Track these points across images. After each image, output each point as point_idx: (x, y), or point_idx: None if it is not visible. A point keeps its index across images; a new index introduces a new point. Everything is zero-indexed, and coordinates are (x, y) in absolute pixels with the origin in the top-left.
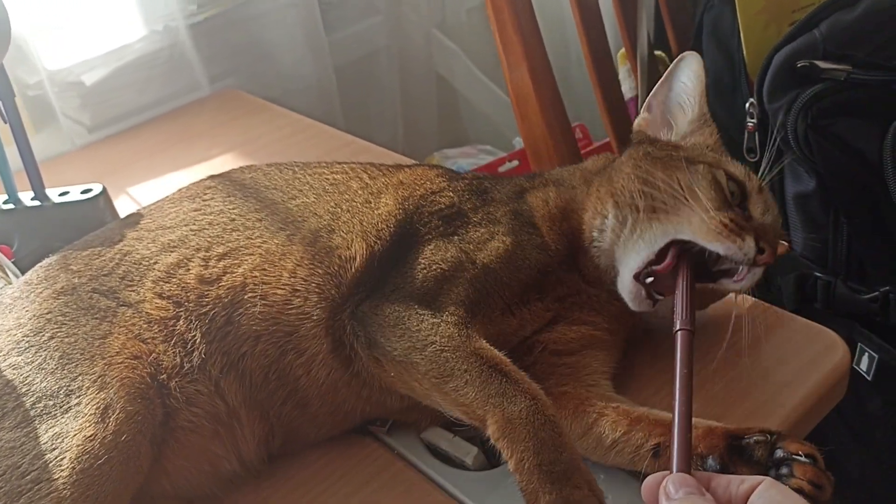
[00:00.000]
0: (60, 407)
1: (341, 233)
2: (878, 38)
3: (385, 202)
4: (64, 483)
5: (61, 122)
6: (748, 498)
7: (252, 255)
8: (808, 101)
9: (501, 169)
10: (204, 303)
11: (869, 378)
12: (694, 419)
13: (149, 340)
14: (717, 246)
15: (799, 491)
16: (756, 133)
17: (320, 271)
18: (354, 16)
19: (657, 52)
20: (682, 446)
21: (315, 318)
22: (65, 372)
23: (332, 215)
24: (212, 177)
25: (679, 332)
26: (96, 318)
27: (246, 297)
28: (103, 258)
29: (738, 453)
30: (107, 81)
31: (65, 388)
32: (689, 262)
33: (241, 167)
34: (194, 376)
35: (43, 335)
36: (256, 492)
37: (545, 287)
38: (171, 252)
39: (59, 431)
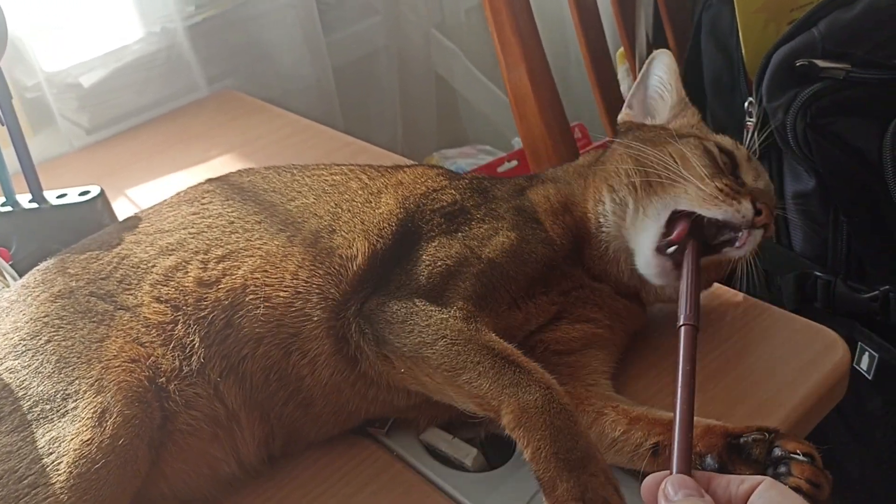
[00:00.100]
0: (57, 411)
1: (342, 233)
2: (878, 37)
3: (386, 201)
4: (61, 487)
5: (59, 124)
6: (748, 498)
7: (252, 256)
8: (807, 100)
9: (500, 169)
10: (202, 306)
11: (869, 377)
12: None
13: (147, 344)
14: (715, 212)
15: (797, 490)
16: (755, 132)
17: (321, 272)
18: (353, 16)
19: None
20: (683, 447)
21: (316, 318)
22: (62, 376)
23: (333, 216)
24: (210, 180)
25: (683, 328)
26: (94, 322)
27: (247, 299)
28: (101, 262)
29: (736, 452)
30: (105, 83)
31: (62, 392)
32: (696, 247)
33: (238, 170)
34: (193, 379)
35: (40, 339)
36: (255, 494)
37: (550, 281)
38: (170, 255)
39: (57, 435)
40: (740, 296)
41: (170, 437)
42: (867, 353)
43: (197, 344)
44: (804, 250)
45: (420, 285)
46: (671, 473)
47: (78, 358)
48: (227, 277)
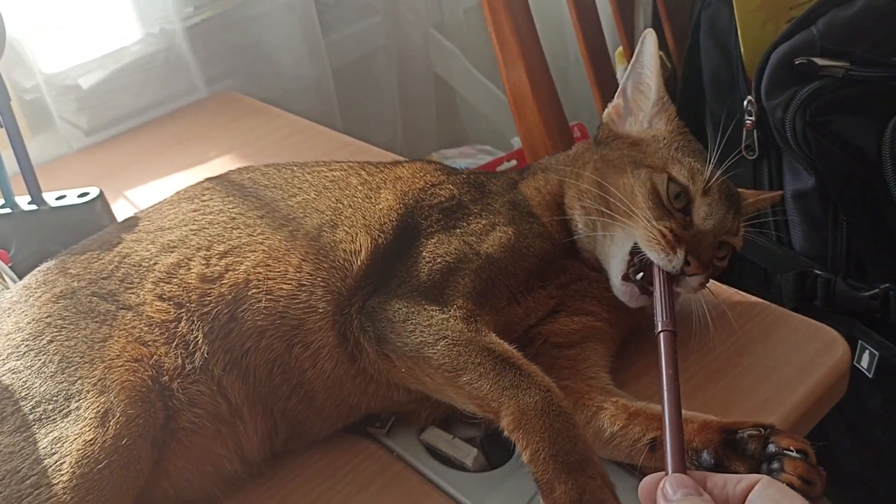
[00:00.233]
0: (60, 411)
1: (344, 227)
2: (876, 35)
3: (385, 197)
4: (64, 488)
5: (58, 126)
6: (746, 496)
7: (254, 251)
8: (806, 99)
9: (500, 169)
10: (206, 302)
11: (869, 375)
12: (690, 413)
13: (149, 343)
14: (652, 255)
15: (789, 486)
16: (755, 131)
17: (326, 265)
18: (352, 16)
19: None
20: (676, 446)
21: (321, 310)
22: (64, 376)
23: (334, 211)
24: (209, 179)
25: (661, 334)
26: (96, 322)
27: (250, 293)
28: (102, 261)
29: (731, 447)
30: (103, 84)
31: (64, 393)
32: None
33: (238, 168)
34: (196, 377)
35: (42, 339)
36: (257, 493)
37: (548, 275)
38: (171, 252)
39: (59, 436)
40: (740, 294)
41: (173, 436)
42: (867, 352)
43: (200, 340)
44: (804, 249)
45: (421, 283)
46: (667, 474)
47: (81, 358)
48: (231, 272)
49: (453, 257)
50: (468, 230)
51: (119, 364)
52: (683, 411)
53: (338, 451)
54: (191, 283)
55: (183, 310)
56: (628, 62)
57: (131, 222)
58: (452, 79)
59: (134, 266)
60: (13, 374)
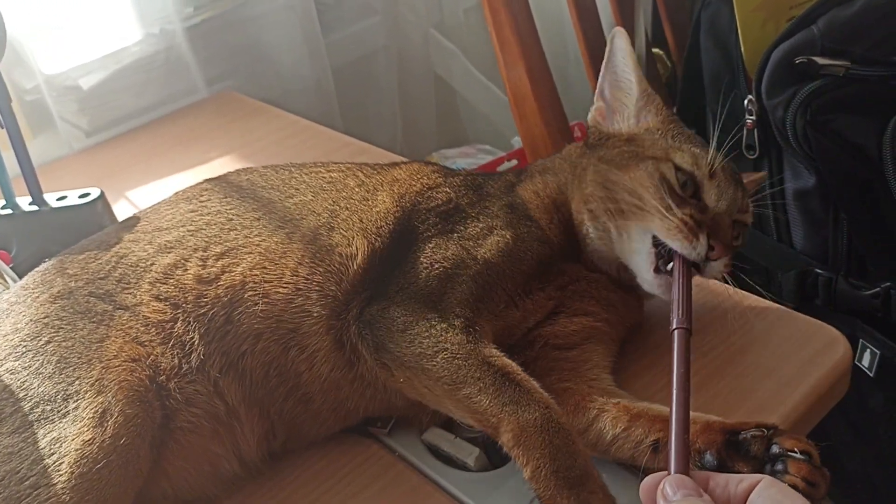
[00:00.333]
0: (58, 411)
1: (341, 230)
2: (877, 34)
3: (382, 199)
4: (63, 488)
5: (59, 127)
6: (747, 497)
7: (251, 253)
8: (806, 98)
9: (500, 168)
10: (202, 303)
11: (871, 374)
12: (693, 414)
13: (146, 343)
14: (675, 244)
15: (793, 488)
16: (755, 130)
17: (321, 269)
18: (352, 17)
19: (655, 50)
20: (680, 447)
21: (316, 314)
22: (62, 376)
23: (331, 213)
24: (208, 180)
25: (676, 331)
26: (93, 322)
27: (246, 295)
28: (99, 261)
29: (734, 448)
30: (104, 85)
31: (62, 393)
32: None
33: (237, 170)
34: (193, 377)
35: (40, 340)
36: (257, 494)
37: (546, 277)
38: (168, 253)
39: (58, 436)
40: (741, 293)
41: (171, 436)
42: (868, 350)
43: (197, 341)
44: (805, 248)
45: (419, 289)
46: (669, 474)
47: (78, 358)
48: (227, 274)
49: (451, 263)
50: (465, 234)
51: (116, 364)
52: None
53: (339, 451)
54: (187, 284)
55: (179, 311)
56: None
57: (129, 223)
58: (452, 79)
59: (131, 266)
60: (11, 374)
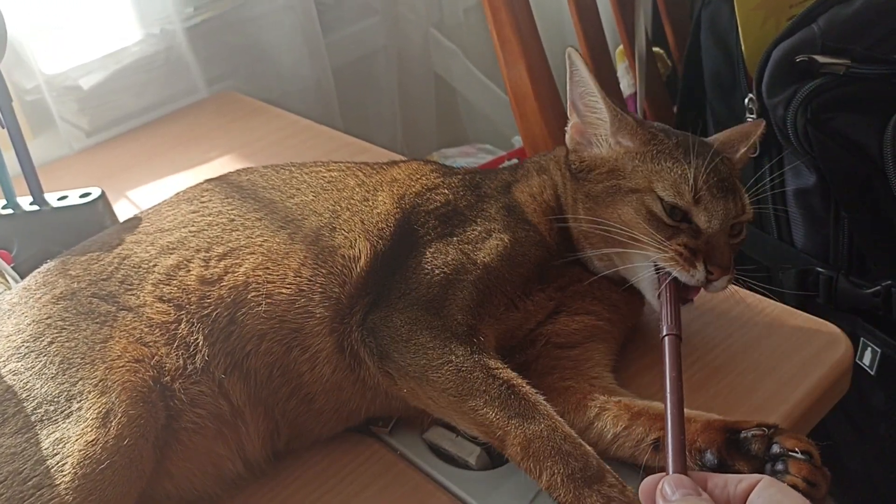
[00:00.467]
0: (61, 412)
1: (343, 232)
2: (877, 32)
3: (382, 200)
4: (66, 488)
5: (59, 127)
6: (747, 496)
7: (253, 254)
8: (807, 96)
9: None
10: (205, 304)
11: (872, 373)
12: (693, 413)
13: (150, 344)
14: (675, 273)
15: (793, 488)
16: None
17: (324, 270)
18: (351, 16)
19: (655, 49)
20: (677, 447)
21: (318, 315)
22: (65, 377)
23: (333, 213)
24: (209, 180)
25: (666, 338)
26: (96, 323)
27: (249, 296)
28: (102, 262)
29: (735, 447)
30: (104, 85)
31: (65, 393)
32: None
33: (237, 170)
34: (197, 378)
35: (43, 340)
36: (260, 493)
37: (546, 278)
38: (171, 254)
39: (61, 436)
40: (742, 292)
41: (175, 437)
42: (870, 349)
43: (201, 342)
44: (805, 246)
45: (420, 296)
46: (667, 474)
47: (81, 359)
48: (230, 275)
49: (451, 268)
50: (465, 238)
51: (120, 365)
52: (686, 410)
53: (340, 451)
54: (190, 284)
55: (183, 311)
56: (630, 61)
57: (131, 223)
58: (452, 78)
59: (134, 267)
60: (14, 375)
